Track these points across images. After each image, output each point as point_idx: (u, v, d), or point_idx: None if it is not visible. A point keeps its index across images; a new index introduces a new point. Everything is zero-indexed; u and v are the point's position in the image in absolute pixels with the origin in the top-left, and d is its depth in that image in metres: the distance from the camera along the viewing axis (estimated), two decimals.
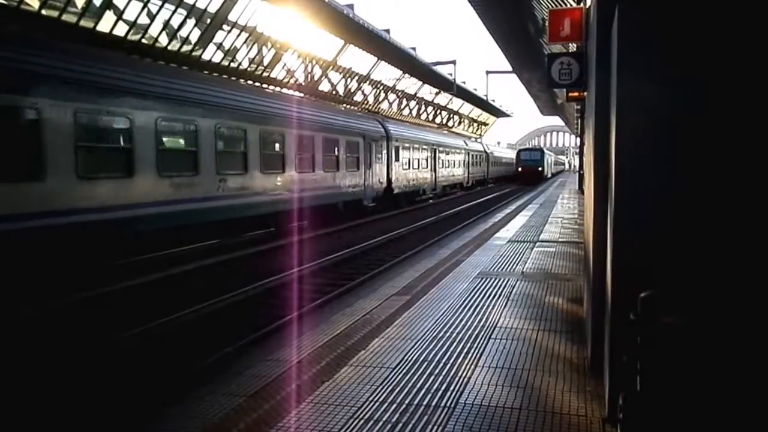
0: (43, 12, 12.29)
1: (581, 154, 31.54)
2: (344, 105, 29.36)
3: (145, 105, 11.30)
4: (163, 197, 11.80)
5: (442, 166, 33.77)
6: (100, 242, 10.49)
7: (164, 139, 11.94)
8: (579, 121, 26.73)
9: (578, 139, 33.50)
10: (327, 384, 4.66)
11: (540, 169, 54.96)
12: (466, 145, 41.26)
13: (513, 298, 7.50)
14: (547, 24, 8.47)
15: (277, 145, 15.89)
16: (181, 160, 12.41)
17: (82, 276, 9.82)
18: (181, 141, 12.62)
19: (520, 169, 55.47)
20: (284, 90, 22.75)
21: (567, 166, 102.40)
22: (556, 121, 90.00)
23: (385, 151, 24.46)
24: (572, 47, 11.42)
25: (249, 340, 7.23)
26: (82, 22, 13.33)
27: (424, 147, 30.17)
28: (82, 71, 10.16)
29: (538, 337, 5.84)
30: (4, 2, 11.57)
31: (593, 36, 5.04)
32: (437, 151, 32.47)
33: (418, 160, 29.14)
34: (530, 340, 5.75)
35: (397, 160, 25.73)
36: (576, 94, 13.25)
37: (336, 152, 19.68)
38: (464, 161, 39.77)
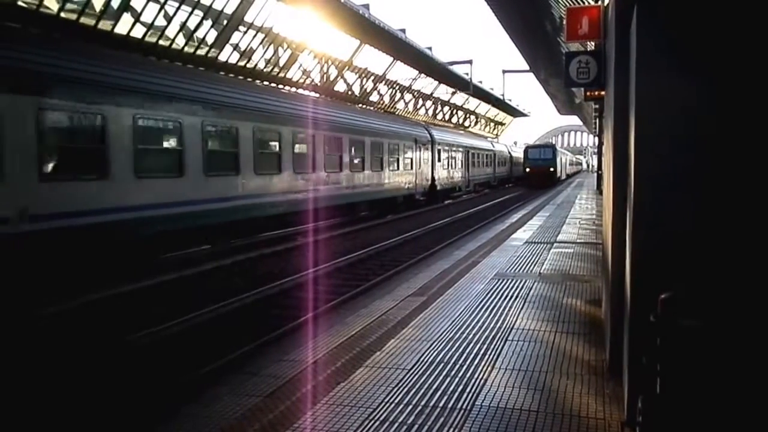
0: (62, 15, 12.43)
1: (599, 154, 31.21)
2: (392, 111, 33.12)
3: (193, 110, 12.13)
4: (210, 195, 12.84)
5: (474, 166, 37.42)
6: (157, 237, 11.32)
7: (209, 141, 12.68)
8: (597, 120, 26.54)
9: (596, 139, 33.27)
10: (342, 385, 4.65)
11: (552, 169, 47.05)
12: (493, 147, 45.09)
13: (530, 300, 7.44)
14: (564, 22, 8.38)
15: (360, 151, 20.36)
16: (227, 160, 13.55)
17: (106, 275, 9.95)
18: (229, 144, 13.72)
19: (528, 169, 47.47)
20: (300, 90, 22.80)
21: (585, 166, 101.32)
22: (574, 120, 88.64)
23: (429, 153, 28.07)
24: (590, 46, 11.31)
25: (265, 340, 7.24)
26: (100, 25, 13.46)
27: (460, 149, 33.84)
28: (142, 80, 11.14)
29: (556, 339, 5.79)
30: (23, 5, 11.71)
31: (612, 34, 4.98)
32: (469, 153, 35.98)
33: (455, 160, 32.86)
34: (548, 342, 5.70)
35: (439, 161, 29.40)
36: (594, 93, 13.11)
37: (397, 155, 23.88)
38: (492, 162, 43.51)
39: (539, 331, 6.09)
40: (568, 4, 13.70)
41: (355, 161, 20.03)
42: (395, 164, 23.62)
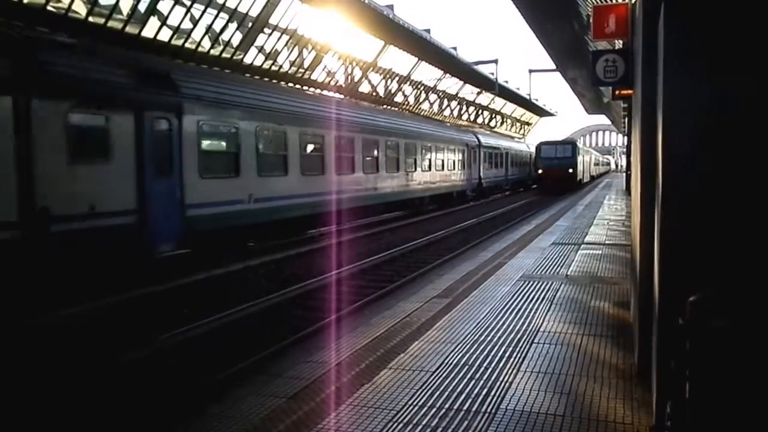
0: (90, 19, 12.65)
1: (628, 154, 30.77)
2: (439, 117, 37.72)
3: (251, 116, 13.69)
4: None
5: (512, 166, 41.28)
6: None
7: (260, 144, 14.02)
8: (626, 119, 26.17)
9: (625, 138, 32.82)
10: (366, 387, 4.64)
11: (570, 171, 38.57)
12: (528, 148, 47.26)
13: (557, 302, 7.35)
14: (591, 20, 8.28)
15: (428, 154, 25.36)
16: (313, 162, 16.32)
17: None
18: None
19: (540, 170, 39.31)
20: (324, 92, 22.92)
21: (613, 167, 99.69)
22: (602, 119, 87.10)
23: (477, 155, 32.50)
24: (618, 44, 11.15)
25: (289, 341, 7.27)
26: (128, 29, 13.68)
27: (501, 151, 38.38)
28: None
29: (583, 342, 5.71)
30: (52, 9, 11.95)
31: (639, 32, 4.89)
32: (509, 154, 40.26)
33: (498, 162, 37.38)
34: (574, 345, 5.62)
35: (484, 161, 34.00)
36: (623, 91, 12.92)
37: (454, 157, 29.00)
38: (528, 162, 45.66)
39: (566, 333, 6.01)
40: (594, 2, 13.53)
41: (425, 163, 25.03)
42: (453, 165, 28.77)
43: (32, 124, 8.64)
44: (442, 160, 27.16)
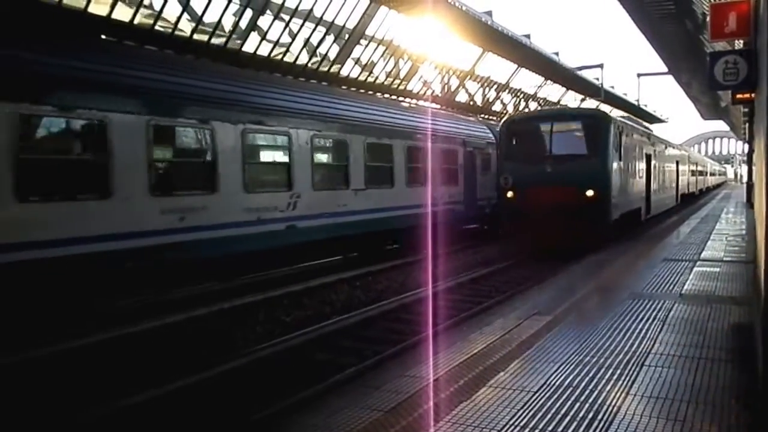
0: (195, 37, 13.36)
1: (749, 162, 28.62)
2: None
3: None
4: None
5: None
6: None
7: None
8: (747, 125, 24.35)
9: (746, 146, 30.51)
10: (465, 404, 4.52)
11: (591, 194, 14.23)
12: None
13: (669, 322, 6.87)
14: (708, 19, 7.75)
15: None
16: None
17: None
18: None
19: (509, 191, 15.46)
20: (420, 102, 22.97)
21: (731, 176, 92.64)
22: (720, 125, 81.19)
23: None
24: (738, 44, 10.38)
25: (386, 354, 7.25)
26: (230, 45, 14.31)
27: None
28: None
29: (699, 366, 5.29)
30: (160, 29, 12.72)
31: (764, 30, 4.49)
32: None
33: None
34: (689, 369, 5.21)
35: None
36: (744, 95, 12.01)
37: None
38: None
39: (680, 356, 5.59)
40: (711, 0, 12.68)
41: None
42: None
43: None
44: None
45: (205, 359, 7.11)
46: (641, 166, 18.79)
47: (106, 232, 8.39)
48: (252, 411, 5.73)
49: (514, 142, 15.74)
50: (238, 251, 10.51)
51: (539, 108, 31.27)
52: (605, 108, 31.44)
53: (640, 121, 26.89)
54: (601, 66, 30.80)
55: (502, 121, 17.79)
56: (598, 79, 32.75)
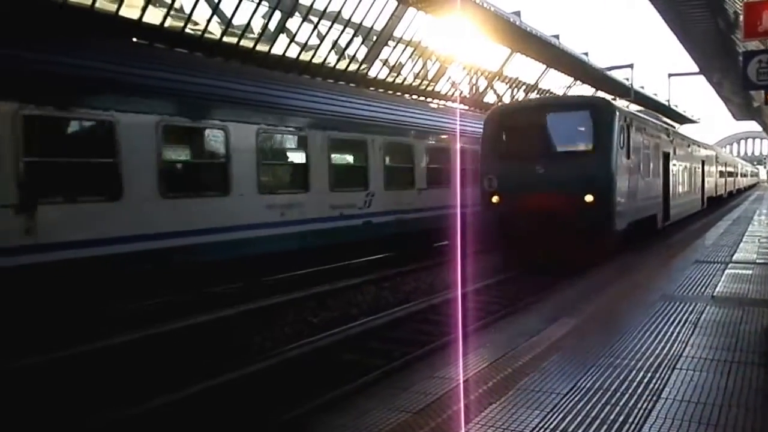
0: (225, 39, 13.55)
1: None
2: None
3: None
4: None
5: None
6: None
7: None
8: None
9: None
10: (494, 406, 4.52)
11: (589, 200, 12.05)
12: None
13: (701, 325, 6.77)
14: (740, 18, 7.62)
15: None
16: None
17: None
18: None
19: (494, 196, 13.23)
20: (448, 103, 22.93)
21: (764, 177, 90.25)
22: (752, 126, 79.31)
23: None
24: None
25: (414, 356, 7.28)
26: (258, 47, 14.47)
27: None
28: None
29: (732, 370, 5.21)
30: (190, 32, 12.93)
31: None
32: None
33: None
34: (722, 373, 5.14)
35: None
36: None
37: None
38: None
39: (712, 360, 5.51)
40: None
41: None
42: None
43: None
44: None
45: (233, 360, 7.22)
46: (657, 166, 16.68)
47: (229, 224, 10.13)
48: (281, 412, 5.77)
49: (499, 137, 13.49)
50: (325, 244, 12.07)
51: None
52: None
53: (658, 115, 24.59)
54: (631, 66, 30.44)
55: (497, 107, 16.04)
56: (628, 79, 32.36)
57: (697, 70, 29.62)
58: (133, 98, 8.72)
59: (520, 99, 26.89)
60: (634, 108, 25.53)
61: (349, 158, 13.79)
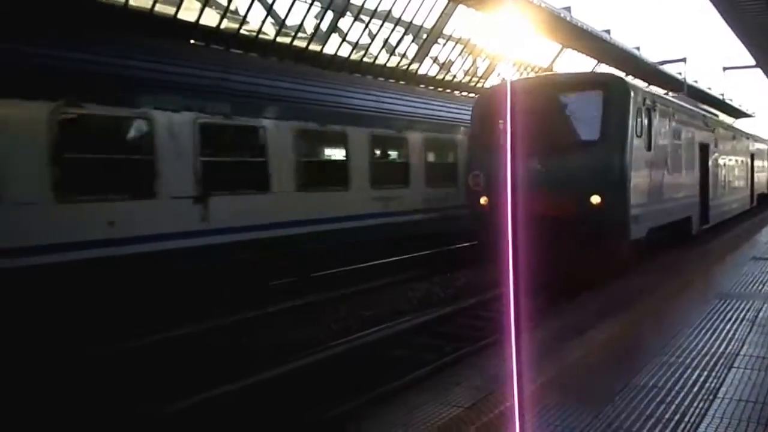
0: (278, 39, 13.85)
1: None
2: None
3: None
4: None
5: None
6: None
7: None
8: None
9: None
10: (547, 403, 4.56)
11: (598, 201, 9.68)
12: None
13: (759, 323, 6.64)
14: None
15: None
16: None
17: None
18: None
19: (482, 197, 10.72)
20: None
21: None
22: None
23: None
24: None
25: (466, 351, 7.35)
26: (311, 46, 14.72)
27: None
28: None
29: None
30: (246, 32, 13.30)
31: None
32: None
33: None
34: None
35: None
36: None
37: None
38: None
39: None
40: None
41: None
42: None
43: None
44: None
45: (286, 354, 7.45)
46: (692, 159, 13.99)
47: (347, 213, 11.87)
48: (332, 406, 5.88)
49: (488, 125, 10.63)
50: (419, 233, 13.40)
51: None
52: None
53: (692, 100, 20.84)
54: (684, 60, 29.58)
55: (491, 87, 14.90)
56: (681, 73, 31.45)
57: (753, 63, 28.60)
58: (276, 107, 10.58)
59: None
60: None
61: (441, 157, 15.10)
